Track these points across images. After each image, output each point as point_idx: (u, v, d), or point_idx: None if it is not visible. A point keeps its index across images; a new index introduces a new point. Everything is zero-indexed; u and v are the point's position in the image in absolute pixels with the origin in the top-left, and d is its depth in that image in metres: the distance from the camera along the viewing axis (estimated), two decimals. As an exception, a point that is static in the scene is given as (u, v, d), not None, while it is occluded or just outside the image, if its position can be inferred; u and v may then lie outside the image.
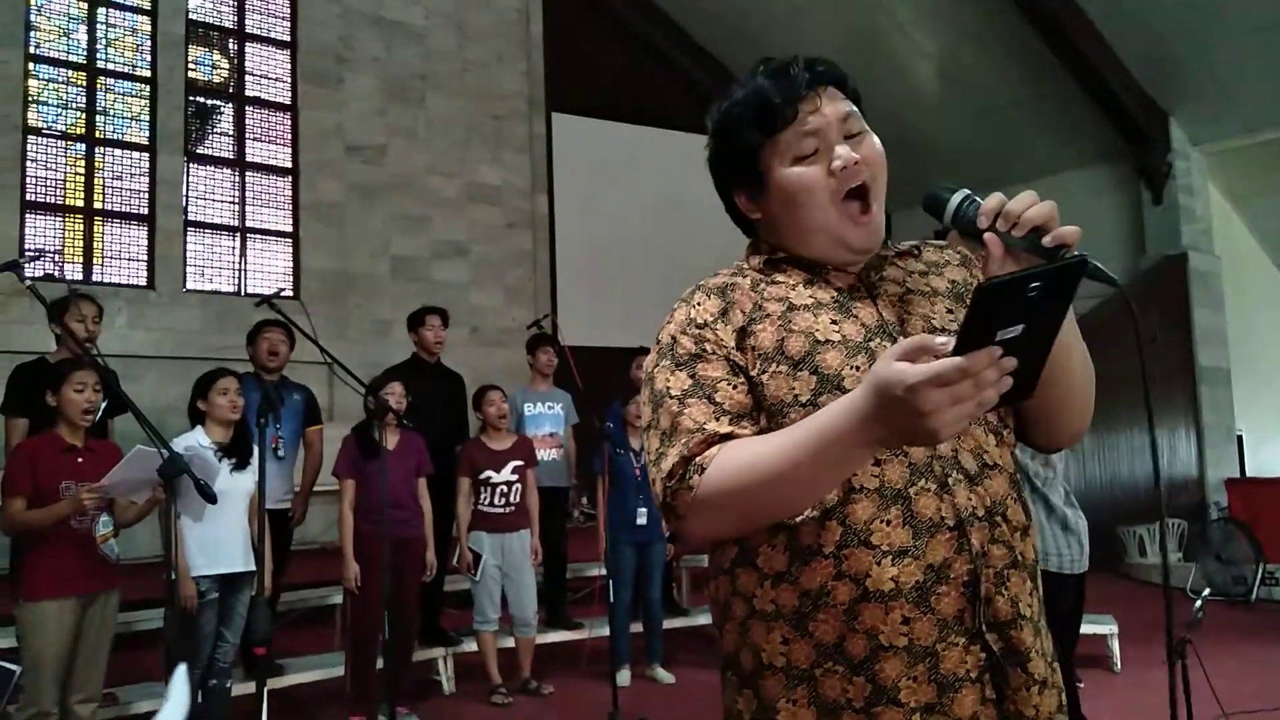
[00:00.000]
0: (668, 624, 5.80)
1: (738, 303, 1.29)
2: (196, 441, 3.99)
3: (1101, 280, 1.08)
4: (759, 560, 1.23)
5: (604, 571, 5.11)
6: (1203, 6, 9.12)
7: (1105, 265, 1.09)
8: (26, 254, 7.74)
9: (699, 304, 1.30)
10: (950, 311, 1.31)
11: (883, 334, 1.25)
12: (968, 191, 1.20)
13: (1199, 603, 3.69)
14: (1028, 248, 1.12)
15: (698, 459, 1.17)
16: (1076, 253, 1.08)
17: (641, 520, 5.38)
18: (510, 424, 5.50)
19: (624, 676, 5.29)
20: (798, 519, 1.19)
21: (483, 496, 5.17)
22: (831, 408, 1.06)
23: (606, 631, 5.17)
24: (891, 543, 1.16)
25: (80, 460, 3.60)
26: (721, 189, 1.38)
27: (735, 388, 1.23)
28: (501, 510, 5.18)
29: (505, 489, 5.19)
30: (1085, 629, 5.07)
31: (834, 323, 1.25)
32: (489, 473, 5.17)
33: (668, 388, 1.25)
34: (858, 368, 1.20)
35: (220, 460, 3.93)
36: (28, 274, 3.27)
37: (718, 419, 1.20)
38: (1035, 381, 1.03)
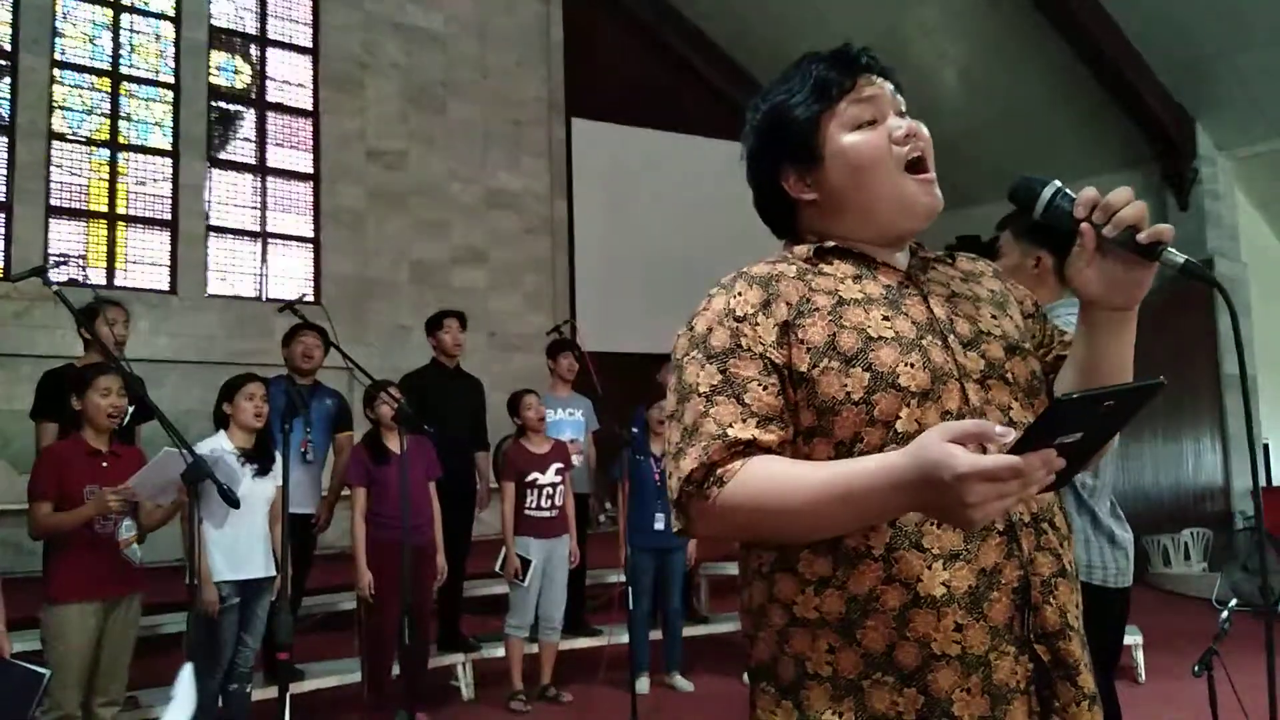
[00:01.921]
0: (687, 631, 5.79)
1: (783, 294, 1.24)
2: (219, 446, 4.00)
3: (1200, 278, 1.14)
4: (800, 565, 1.19)
5: (624, 578, 5.09)
6: (1230, 12, 9.02)
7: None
8: (51, 259, 7.81)
9: (739, 294, 1.24)
10: (994, 318, 1.29)
11: (933, 331, 1.22)
12: (1059, 184, 1.21)
13: (1225, 613, 3.63)
14: (1123, 243, 1.14)
15: (719, 470, 1.14)
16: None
17: (659, 525, 5.35)
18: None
19: (643, 684, 5.26)
20: None
21: (529, 500, 5.16)
22: (870, 461, 1.06)
23: (626, 639, 5.14)
24: (943, 546, 1.14)
25: (105, 464, 3.62)
26: (763, 178, 1.35)
27: (766, 389, 1.18)
28: (548, 514, 5.19)
29: (550, 491, 5.19)
30: (1111, 640, 5.04)
31: (886, 319, 1.22)
32: (535, 475, 5.17)
33: (696, 382, 1.21)
34: (911, 365, 1.18)
35: (242, 465, 3.94)
36: (53, 279, 3.29)
37: (744, 421, 1.16)
38: (1072, 477, 1.03)
